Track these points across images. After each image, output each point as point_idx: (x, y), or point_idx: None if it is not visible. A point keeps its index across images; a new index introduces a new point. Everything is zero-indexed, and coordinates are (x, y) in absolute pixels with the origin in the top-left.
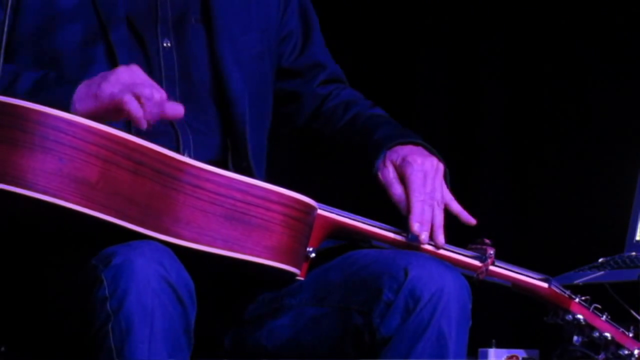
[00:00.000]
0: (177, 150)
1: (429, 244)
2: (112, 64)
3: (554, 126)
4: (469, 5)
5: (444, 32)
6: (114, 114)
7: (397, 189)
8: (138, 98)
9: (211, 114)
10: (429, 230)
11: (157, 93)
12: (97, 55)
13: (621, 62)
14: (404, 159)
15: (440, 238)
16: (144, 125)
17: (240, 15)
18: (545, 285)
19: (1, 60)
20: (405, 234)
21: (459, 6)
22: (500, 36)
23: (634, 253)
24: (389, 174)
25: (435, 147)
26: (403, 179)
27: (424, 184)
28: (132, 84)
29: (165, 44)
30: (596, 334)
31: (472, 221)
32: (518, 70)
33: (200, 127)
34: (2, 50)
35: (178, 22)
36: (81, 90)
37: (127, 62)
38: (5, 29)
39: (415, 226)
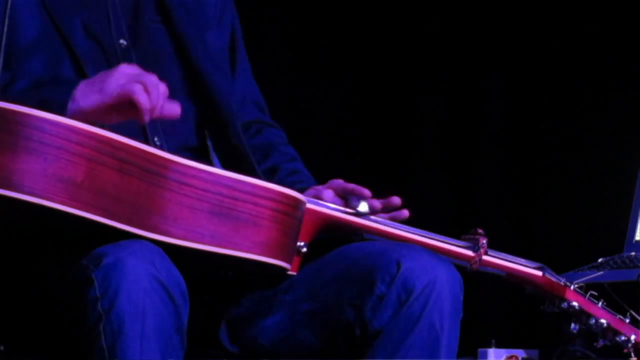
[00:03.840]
0: (145, 136)
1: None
2: (79, 71)
3: (554, 126)
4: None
5: (444, 34)
6: (121, 108)
7: (327, 193)
8: (145, 89)
9: (187, 110)
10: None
11: (161, 85)
12: (64, 68)
13: (621, 62)
14: (326, 184)
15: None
16: (147, 119)
17: (197, 13)
18: (539, 273)
19: (1, 61)
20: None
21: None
22: (500, 36)
23: (633, 253)
24: (312, 191)
25: (436, 145)
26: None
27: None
28: (137, 74)
29: (121, 42)
30: (592, 321)
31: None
32: (519, 71)
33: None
34: (2, 51)
35: (132, 21)
36: (82, 88)
37: (88, 58)
38: (5, 28)
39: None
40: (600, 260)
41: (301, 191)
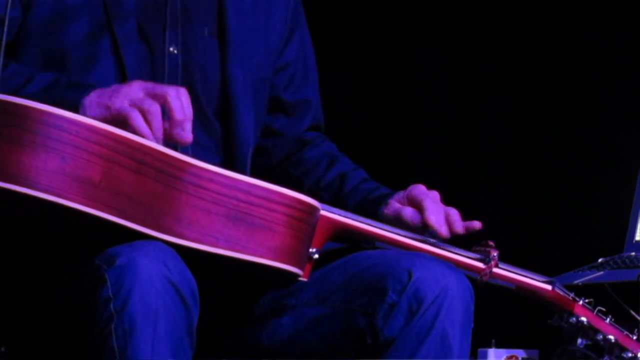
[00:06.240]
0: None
1: (438, 245)
2: (117, 58)
3: (555, 127)
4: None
5: (444, 31)
6: (122, 126)
7: (407, 210)
8: (144, 114)
9: (212, 130)
10: (447, 225)
11: (176, 101)
12: (102, 49)
13: (621, 62)
14: (407, 190)
15: (459, 225)
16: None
17: (252, 35)
18: (549, 287)
19: (1, 60)
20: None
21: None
22: (498, 34)
23: (633, 253)
24: (395, 204)
25: (437, 150)
26: (412, 201)
27: (435, 198)
28: (140, 98)
29: (171, 49)
30: (600, 337)
31: (477, 225)
32: (518, 70)
33: (200, 139)
34: (2, 50)
35: (188, 31)
36: (93, 97)
37: (132, 58)
38: (5, 28)
39: (432, 219)
40: (600, 260)
41: (382, 199)
